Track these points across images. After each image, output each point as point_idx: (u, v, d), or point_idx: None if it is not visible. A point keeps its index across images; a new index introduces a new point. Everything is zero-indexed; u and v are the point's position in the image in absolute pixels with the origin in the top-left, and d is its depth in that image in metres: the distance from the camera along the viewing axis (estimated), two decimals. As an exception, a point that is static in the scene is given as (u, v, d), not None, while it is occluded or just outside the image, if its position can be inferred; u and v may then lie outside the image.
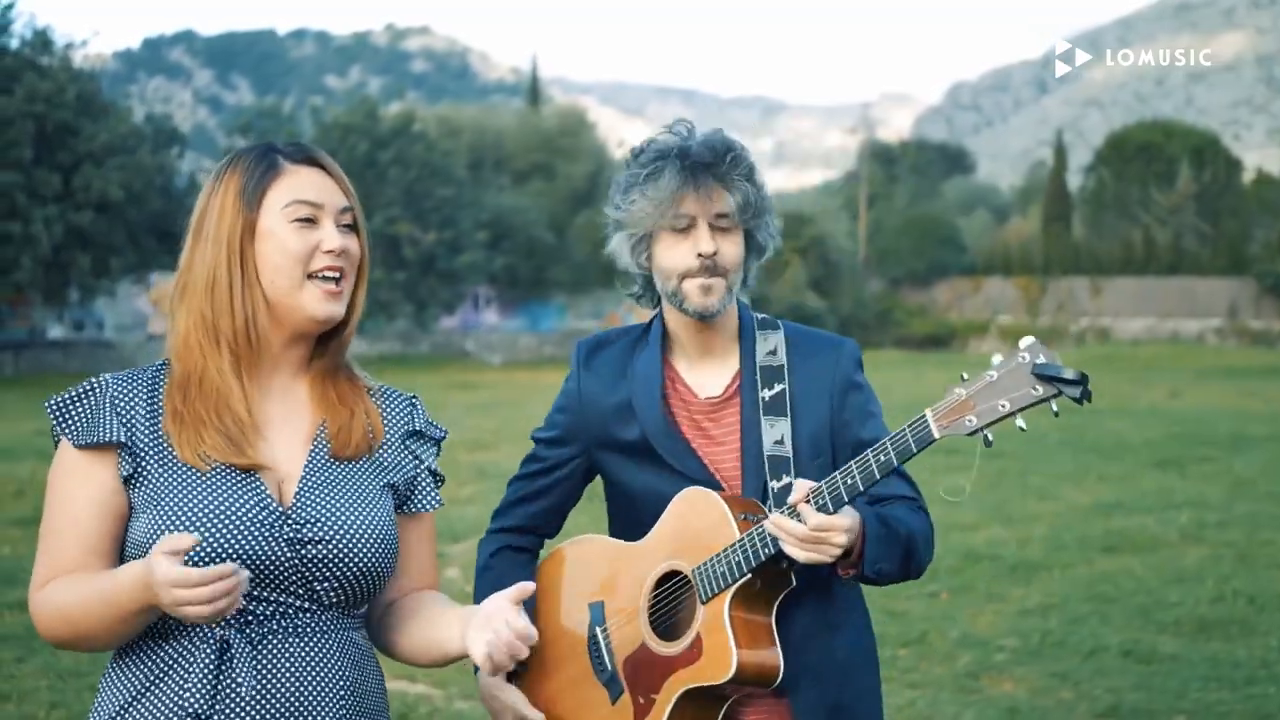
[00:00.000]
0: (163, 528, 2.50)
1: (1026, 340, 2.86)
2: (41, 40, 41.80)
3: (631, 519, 3.38)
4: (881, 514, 3.16)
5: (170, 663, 2.55)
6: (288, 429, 2.70)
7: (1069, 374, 2.78)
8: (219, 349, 2.62)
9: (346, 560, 2.63)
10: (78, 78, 41.90)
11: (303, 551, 2.58)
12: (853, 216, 79.14)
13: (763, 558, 3.06)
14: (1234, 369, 44.97)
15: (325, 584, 2.62)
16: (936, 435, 2.91)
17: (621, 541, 3.39)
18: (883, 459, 2.96)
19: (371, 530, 2.67)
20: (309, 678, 2.60)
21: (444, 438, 2.98)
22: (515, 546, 3.55)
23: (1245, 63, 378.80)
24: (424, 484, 2.89)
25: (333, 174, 2.73)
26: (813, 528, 2.96)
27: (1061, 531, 13.30)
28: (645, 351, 3.41)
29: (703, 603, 3.14)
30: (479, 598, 3.28)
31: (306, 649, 2.61)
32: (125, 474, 2.57)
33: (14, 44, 41.41)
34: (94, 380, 2.64)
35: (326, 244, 2.65)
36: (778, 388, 3.29)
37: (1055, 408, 2.85)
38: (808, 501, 2.99)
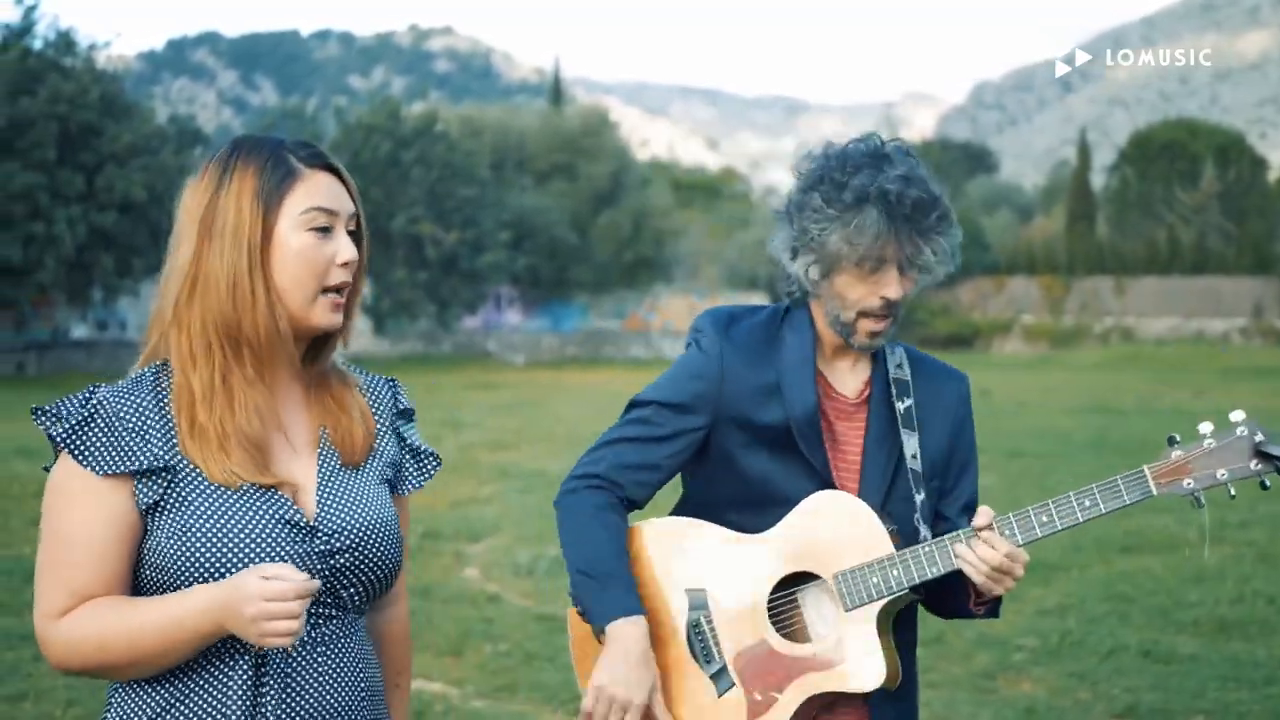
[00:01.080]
0: (197, 553, 2.47)
1: (1239, 414, 3.10)
2: (65, 41, 41.93)
3: (724, 500, 3.29)
4: None
5: (206, 674, 2.53)
6: (293, 434, 2.68)
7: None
8: (241, 352, 2.58)
9: (370, 564, 2.65)
10: (101, 79, 42.01)
11: (331, 561, 2.59)
12: (876, 216, 78.95)
13: (929, 575, 3.11)
14: (1259, 369, 44.79)
15: (350, 589, 2.64)
16: (1155, 492, 3.09)
17: (723, 529, 3.27)
18: (1087, 503, 3.11)
19: (386, 530, 2.69)
20: (336, 682, 2.62)
21: (413, 414, 2.95)
22: (618, 506, 3.31)
23: (1270, 61, 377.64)
24: (408, 467, 2.88)
25: (344, 179, 2.69)
26: (1005, 555, 3.04)
27: (1080, 532, 13.21)
28: (795, 336, 3.32)
29: (846, 610, 3.13)
30: (599, 547, 3.21)
31: (333, 654, 2.62)
32: (147, 503, 2.50)
33: (37, 45, 41.58)
34: (94, 397, 2.55)
35: (341, 256, 2.62)
36: (907, 401, 3.30)
37: (1269, 482, 3.11)
38: (992, 528, 3.07)
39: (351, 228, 2.69)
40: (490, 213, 52.56)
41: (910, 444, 3.26)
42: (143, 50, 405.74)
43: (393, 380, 2.94)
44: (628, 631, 3.10)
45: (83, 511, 2.50)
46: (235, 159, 2.62)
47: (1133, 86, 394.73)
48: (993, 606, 3.22)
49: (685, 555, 3.29)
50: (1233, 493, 3.10)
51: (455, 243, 50.56)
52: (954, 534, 3.11)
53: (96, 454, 2.50)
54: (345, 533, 2.61)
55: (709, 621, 3.22)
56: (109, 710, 2.62)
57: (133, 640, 2.46)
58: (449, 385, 36.59)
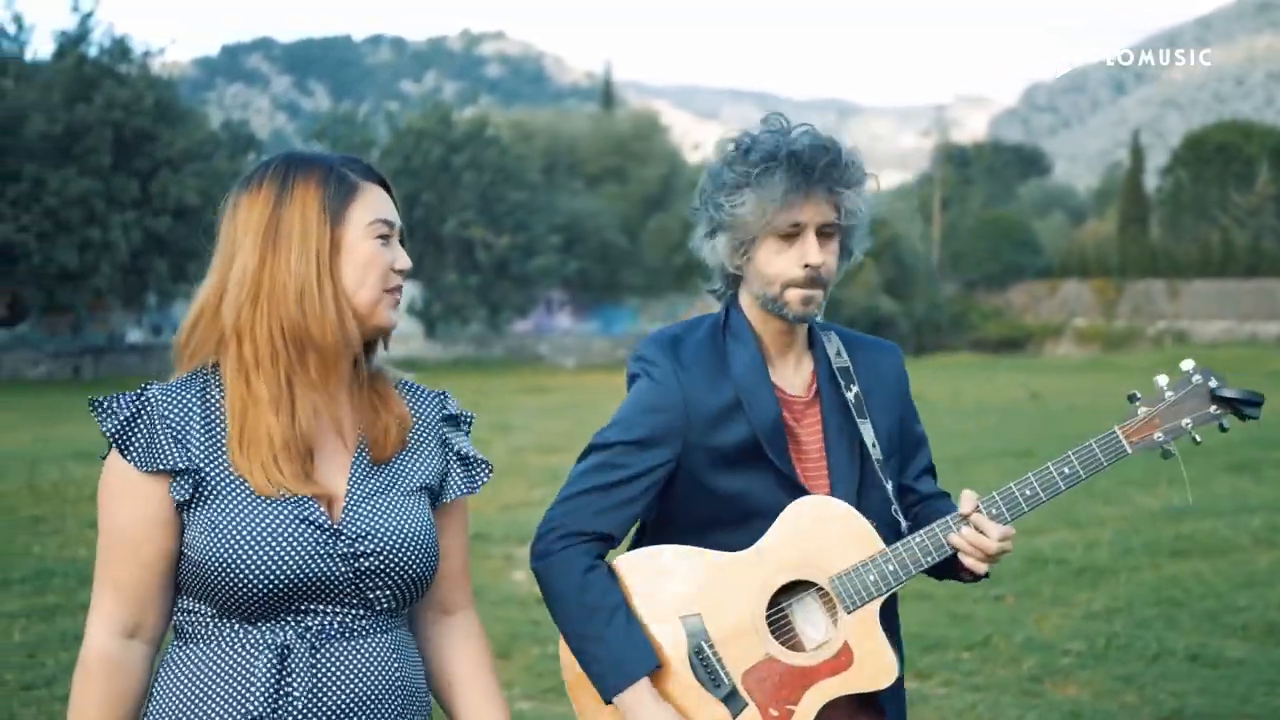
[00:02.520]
0: (223, 550, 2.55)
1: (1188, 363, 3.25)
2: (120, 49, 42.28)
3: (698, 523, 3.24)
4: None
5: (230, 668, 2.61)
6: (333, 445, 2.75)
7: (1245, 395, 3.21)
8: (306, 357, 2.65)
9: (397, 568, 2.69)
10: (155, 85, 42.36)
11: (356, 565, 2.65)
12: (927, 219, 78.76)
13: (925, 566, 3.14)
14: (1314, 372, 44.41)
15: (378, 592, 2.69)
16: (1129, 450, 3.20)
17: (707, 551, 3.20)
18: (1066, 471, 3.16)
19: (417, 536, 2.73)
20: (365, 679, 2.68)
21: (472, 421, 3.00)
22: (600, 554, 3.23)
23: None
24: (454, 472, 2.91)
25: (391, 192, 2.82)
26: (999, 539, 3.09)
27: (1129, 535, 13.22)
28: (741, 348, 3.28)
29: (848, 612, 3.13)
30: (589, 618, 3.15)
31: (362, 651, 2.68)
32: (181, 499, 2.60)
33: (93, 53, 41.93)
34: (144, 394, 2.66)
35: (399, 263, 2.75)
36: (855, 388, 3.30)
37: (1225, 424, 3.24)
38: (978, 510, 3.11)
39: (401, 237, 2.82)
40: (541, 216, 52.69)
41: (868, 432, 3.26)
42: (198, 56, 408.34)
43: (444, 393, 3.00)
44: (631, 700, 3.09)
45: (127, 507, 2.62)
46: (293, 174, 2.71)
47: (1187, 88, 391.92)
48: (984, 575, 3.23)
49: (671, 583, 3.21)
50: (1197, 438, 3.23)
51: (506, 247, 50.71)
52: (943, 522, 3.13)
53: (140, 450, 2.60)
54: (370, 537, 2.66)
55: (710, 645, 3.15)
56: (150, 703, 2.71)
57: None
58: (500, 389, 36.71)
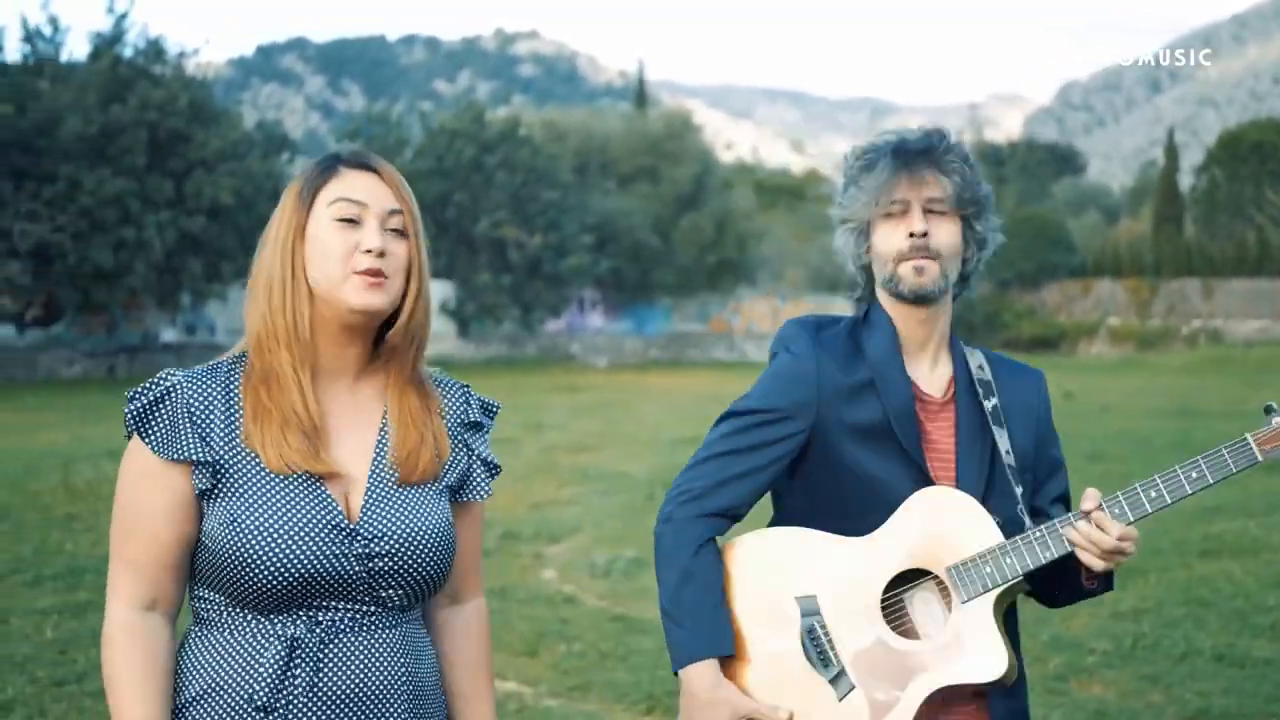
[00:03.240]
0: (241, 545, 2.60)
1: None
2: (155, 50, 42.45)
3: (827, 504, 3.30)
4: None
5: (241, 659, 2.65)
6: (351, 434, 2.78)
7: None
8: (279, 347, 2.70)
9: (411, 569, 2.73)
10: (189, 86, 42.51)
11: (371, 565, 2.68)
12: (960, 218, 78.47)
13: (1043, 561, 3.12)
14: (1349, 371, 44.20)
15: (391, 590, 2.73)
16: (1260, 458, 3.10)
17: (826, 534, 3.26)
18: (1194, 475, 3.12)
19: (434, 537, 2.77)
20: (371, 673, 2.71)
21: (498, 411, 3.04)
22: (718, 536, 3.32)
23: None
24: (476, 475, 2.95)
25: (386, 179, 2.78)
26: (1118, 537, 3.08)
27: (1159, 535, 13.17)
28: (877, 334, 3.35)
29: (962, 602, 3.14)
30: (684, 592, 3.21)
31: (370, 645, 2.71)
32: (201, 489, 2.64)
33: (128, 53, 42.11)
34: (168, 380, 2.69)
35: (365, 244, 2.70)
36: (993, 400, 3.34)
37: None
38: (1100, 509, 3.11)
39: (395, 226, 2.77)
40: (573, 216, 52.74)
41: (1002, 440, 3.29)
42: (233, 57, 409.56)
43: (466, 387, 3.02)
44: (693, 675, 3.14)
45: (145, 492, 2.67)
46: (303, 170, 2.81)
47: (1223, 86, 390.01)
48: (1106, 579, 3.26)
49: (791, 563, 3.27)
50: None
51: (539, 246, 50.80)
52: (1064, 518, 3.14)
53: (160, 437, 2.65)
54: (386, 538, 2.70)
55: (823, 627, 3.20)
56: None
57: (120, 702, 2.65)
58: (532, 388, 36.75)
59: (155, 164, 40.51)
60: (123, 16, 42.27)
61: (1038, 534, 3.13)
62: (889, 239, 3.28)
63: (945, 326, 3.39)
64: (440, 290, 50.69)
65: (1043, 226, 73.56)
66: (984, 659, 3.11)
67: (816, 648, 3.19)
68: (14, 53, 44.72)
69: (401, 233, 2.78)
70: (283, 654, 2.63)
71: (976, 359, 3.41)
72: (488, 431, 3.01)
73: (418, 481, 2.80)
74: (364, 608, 2.71)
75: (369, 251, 2.71)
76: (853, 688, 3.15)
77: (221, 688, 2.65)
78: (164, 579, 2.69)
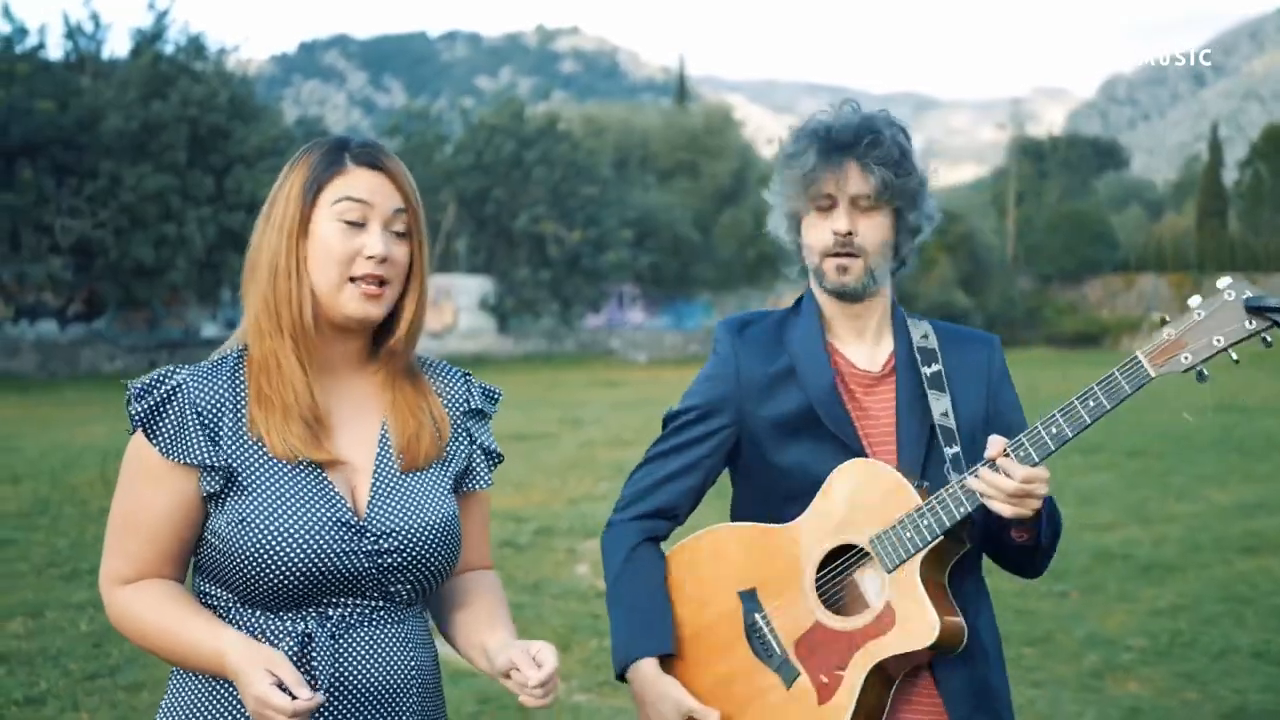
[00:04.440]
0: (252, 544, 2.57)
1: (1225, 280, 2.91)
2: (195, 46, 42.60)
3: (771, 499, 3.31)
4: None
5: None
6: (354, 426, 2.76)
7: (1275, 303, 2.84)
8: (282, 335, 2.66)
9: (420, 563, 2.71)
10: (230, 82, 42.66)
11: (380, 560, 2.66)
12: (1002, 213, 78.28)
13: (958, 517, 3.05)
14: (1395, 367, 43.81)
15: (399, 585, 2.71)
16: (1152, 374, 2.94)
17: (761, 525, 3.30)
18: (1092, 404, 2.98)
19: (441, 530, 2.74)
20: (385, 667, 2.69)
21: (500, 398, 3.02)
22: (654, 538, 3.41)
23: None
24: (478, 464, 2.92)
25: (394, 177, 2.74)
26: (1021, 480, 2.97)
27: (1199, 532, 13.08)
28: (801, 323, 3.37)
29: (889, 571, 3.11)
30: (619, 594, 3.33)
31: (381, 639, 2.69)
32: (209, 492, 2.61)
33: (169, 50, 42.26)
34: (174, 378, 2.66)
35: (369, 250, 2.66)
36: (935, 367, 3.29)
37: (1269, 339, 2.91)
38: (1006, 454, 3.01)
39: (399, 227, 2.73)
40: (613, 211, 52.69)
41: (939, 403, 3.24)
42: (276, 53, 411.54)
43: (468, 375, 2.99)
44: (634, 675, 3.24)
45: (149, 490, 2.64)
46: (301, 155, 2.75)
47: (1269, 80, 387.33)
48: (1035, 535, 3.14)
49: (729, 559, 3.31)
50: (1235, 357, 2.93)
51: (578, 241, 50.80)
52: (972, 469, 3.06)
53: (167, 438, 2.62)
54: (395, 534, 2.67)
55: (764, 617, 3.23)
56: (170, 681, 2.75)
57: (165, 644, 2.62)
58: (571, 383, 36.72)
59: (196, 160, 40.66)
60: (164, 13, 42.43)
61: (951, 490, 3.07)
62: (815, 232, 3.27)
63: (884, 307, 3.37)
64: (479, 285, 50.76)
65: (1085, 222, 73.25)
66: (913, 625, 3.07)
67: (759, 639, 3.23)
68: (56, 50, 45.04)
69: (404, 234, 2.75)
70: (296, 650, 2.61)
71: (921, 329, 3.36)
72: (490, 419, 2.99)
73: (422, 466, 2.78)
74: (372, 603, 2.69)
75: (371, 258, 2.67)
76: (798, 674, 3.17)
77: (222, 688, 2.64)
78: (163, 572, 2.68)
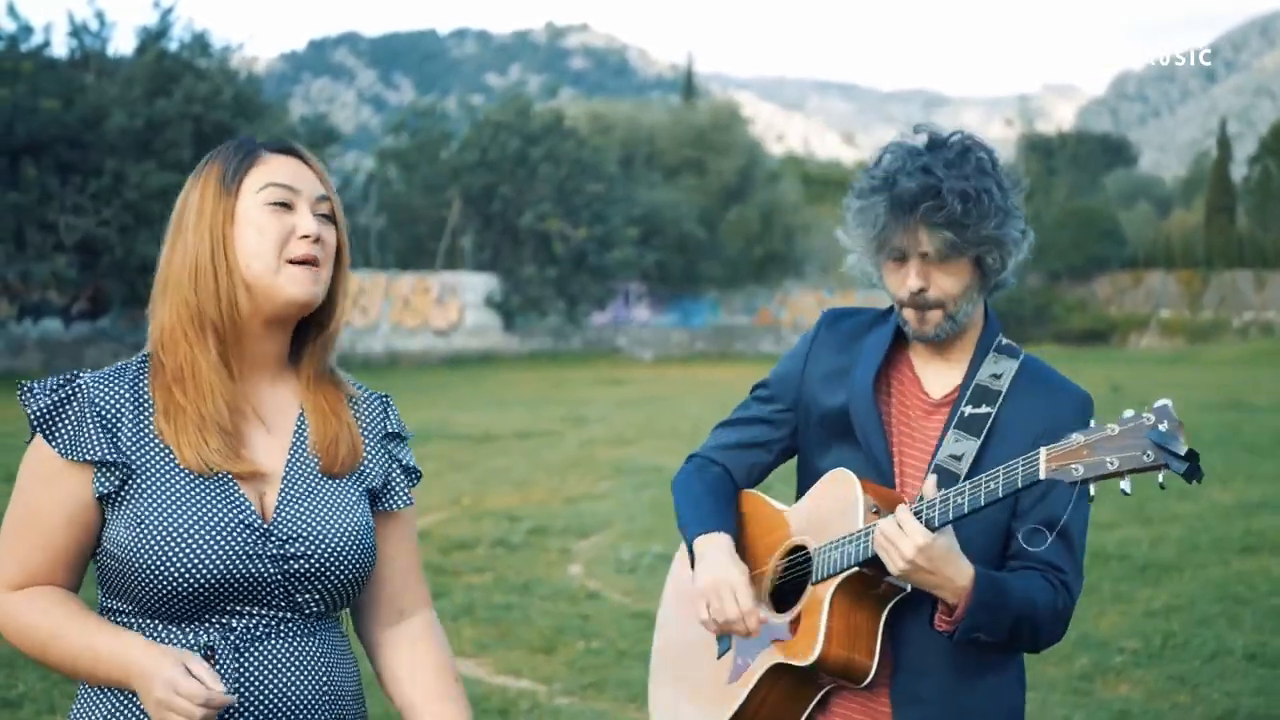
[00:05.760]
0: (148, 547, 2.50)
1: (1161, 402, 2.75)
2: (200, 43, 42.59)
3: (806, 485, 3.38)
4: (998, 580, 3.05)
5: None
6: (270, 432, 2.70)
7: (1178, 448, 2.68)
8: (205, 338, 2.60)
9: (328, 572, 2.63)
10: (234, 79, 42.63)
11: (286, 566, 2.59)
12: (1010, 210, 78.06)
13: (864, 555, 3.02)
14: (1403, 364, 43.66)
15: (307, 595, 2.63)
16: (1042, 476, 2.82)
17: (775, 504, 3.43)
18: (991, 486, 2.89)
19: (352, 539, 2.67)
20: (291, 680, 2.60)
21: (411, 438, 2.96)
22: (726, 470, 3.49)
23: None
24: (396, 481, 2.85)
25: (311, 165, 2.72)
26: (886, 523, 2.94)
27: (1199, 531, 12.98)
28: (882, 328, 3.38)
29: (813, 584, 3.13)
30: (691, 491, 3.45)
31: (288, 652, 2.61)
32: (102, 492, 2.55)
33: (173, 47, 42.25)
34: (75, 380, 2.61)
35: (301, 229, 2.63)
36: (984, 409, 3.20)
37: (1162, 479, 2.75)
38: (907, 504, 2.98)
39: (324, 212, 2.70)
40: (619, 209, 52.56)
41: (959, 446, 3.16)
42: (285, 51, 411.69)
43: (386, 398, 2.94)
44: (707, 542, 3.30)
45: (44, 491, 2.57)
46: (207, 161, 2.72)
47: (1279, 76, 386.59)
48: (952, 630, 3.03)
49: (747, 523, 3.44)
50: (1126, 488, 2.76)
51: (584, 239, 50.68)
52: (903, 508, 2.99)
53: (65, 438, 2.55)
54: (302, 539, 2.60)
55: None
56: (76, 703, 2.66)
57: (59, 651, 2.54)
58: (577, 381, 36.66)
59: (200, 157, 40.13)
60: (168, 11, 42.39)
61: (869, 529, 3.03)
62: (893, 281, 3.25)
63: (972, 336, 3.32)
64: (485, 283, 50.70)
65: (1093, 218, 73.12)
66: (801, 642, 3.10)
67: None
68: (60, 47, 45.01)
69: (329, 218, 2.71)
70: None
71: (999, 367, 3.26)
72: (408, 443, 2.93)
73: (339, 474, 2.71)
74: (280, 614, 2.61)
75: (305, 237, 2.63)
76: (729, 649, 3.30)
77: (133, 702, 2.54)
78: (56, 580, 2.61)
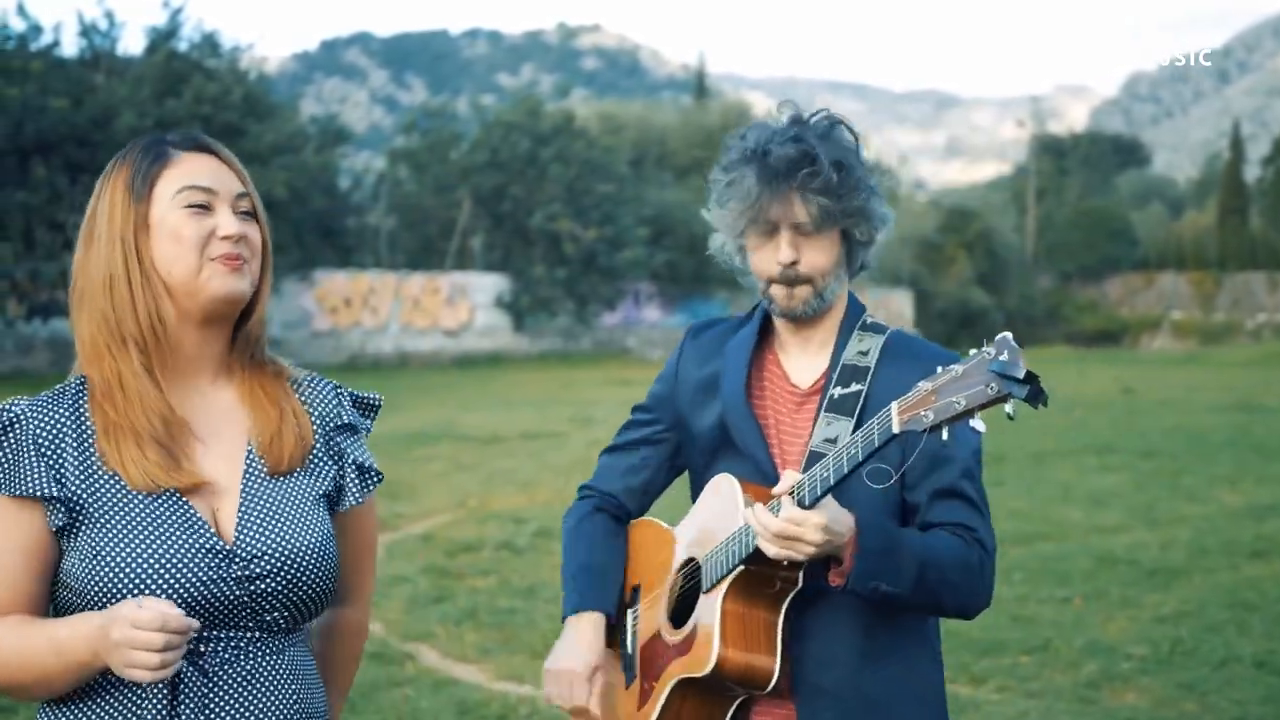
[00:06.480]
0: (107, 578, 2.41)
1: (1001, 335, 2.61)
2: (209, 44, 42.60)
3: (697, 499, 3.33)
4: (889, 529, 2.96)
5: (122, 707, 2.46)
6: (215, 440, 2.60)
7: (1017, 372, 2.54)
8: (127, 350, 2.51)
9: (295, 588, 2.56)
10: (244, 80, 42.63)
11: (252, 587, 2.51)
12: (1021, 210, 78.01)
13: (749, 550, 2.92)
14: None
15: (275, 613, 2.55)
16: (896, 430, 2.70)
17: (664, 524, 3.37)
18: (852, 451, 2.79)
19: (316, 550, 2.59)
20: (263, 702, 2.53)
21: (379, 405, 2.88)
22: (607, 511, 3.46)
23: None
24: (350, 482, 2.76)
25: (226, 160, 2.63)
26: (783, 518, 2.82)
27: (1208, 535, 12.86)
28: (746, 328, 3.34)
29: (704, 592, 3.06)
30: (578, 550, 3.40)
31: (258, 674, 2.53)
32: (57, 525, 2.45)
33: (183, 47, 42.26)
34: (11, 411, 2.49)
35: (223, 229, 2.54)
36: (854, 387, 3.13)
37: (1010, 409, 2.59)
38: (790, 494, 2.85)
39: (245, 209, 2.61)
40: (629, 209, 52.46)
41: (831, 429, 3.07)
42: (297, 51, 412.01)
43: (339, 386, 2.84)
44: (573, 623, 3.27)
45: None
46: (114, 163, 2.61)
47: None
48: (845, 582, 2.91)
49: (637, 551, 3.40)
50: (977, 426, 2.61)
51: (594, 240, 50.60)
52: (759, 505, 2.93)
53: (4, 474, 2.44)
54: (266, 557, 2.52)
55: (634, 614, 3.32)
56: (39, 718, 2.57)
57: (24, 661, 2.42)
58: (587, 381, 36.56)
59: (209, 158, 40.59)
60: (178, 11, 42.41)
61: (747, 526, 2.95)
62: (760, 259, 3.20)
63: (835, 320, 3.27)
64: (495, 283, 50.63)
65: (1105, 219, 73.08)
66: (699, 652, 3.03)
67: (624, 635, 3.33)
68: (70, 47, 45.00)
69: (250, 214, 2.63)
70: (165, 694, 2.44)
71: (865, 344, 3.20)
72: (365, 433, 2.83)
73: (288, 470, 2.62)
74: (247, 634, 2.53)
75: (227, 237, 2.54)
76: (635, 676, 3.25)
77: (96, 707, 2.46)
78: (19, 611, 2.48)
